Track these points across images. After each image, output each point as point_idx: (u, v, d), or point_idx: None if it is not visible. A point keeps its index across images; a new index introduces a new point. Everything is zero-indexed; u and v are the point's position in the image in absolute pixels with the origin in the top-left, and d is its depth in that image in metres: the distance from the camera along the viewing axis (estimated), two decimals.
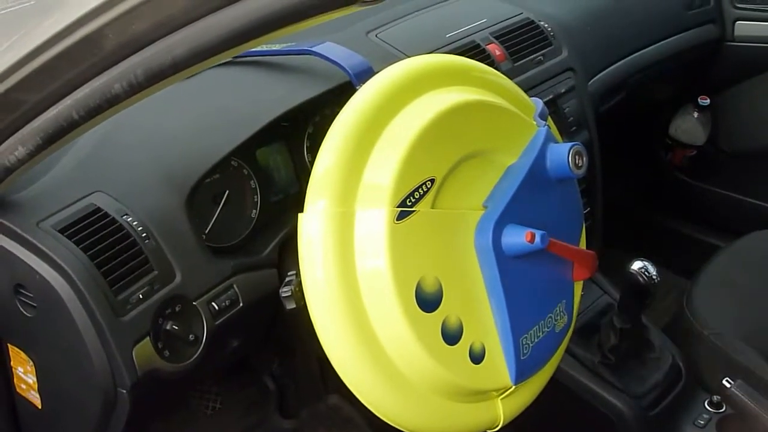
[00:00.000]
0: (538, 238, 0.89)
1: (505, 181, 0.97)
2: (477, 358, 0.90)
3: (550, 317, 0.99)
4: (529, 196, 0.96)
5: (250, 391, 1.70)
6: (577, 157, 0.97)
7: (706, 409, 1.42)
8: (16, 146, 0.90)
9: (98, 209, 1.07)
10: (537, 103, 1.07)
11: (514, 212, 0.93)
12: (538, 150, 0.98)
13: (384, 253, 0.82)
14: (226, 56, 0.76)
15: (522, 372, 0.93)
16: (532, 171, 0.97)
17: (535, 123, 1.03)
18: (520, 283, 0.94)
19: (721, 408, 1.40)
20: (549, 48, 1.68)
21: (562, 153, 0.98)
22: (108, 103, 0.79)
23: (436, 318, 0.86)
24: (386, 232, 0.82)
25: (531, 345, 0.95)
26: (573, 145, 0.98)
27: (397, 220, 0.83)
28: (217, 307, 1.12)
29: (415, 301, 0.84)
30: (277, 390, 1.70)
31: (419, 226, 0.85)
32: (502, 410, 0.96)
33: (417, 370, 0.85)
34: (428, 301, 0.85)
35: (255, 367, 1.70)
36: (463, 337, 0.89)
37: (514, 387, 0.94)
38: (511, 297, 0.92)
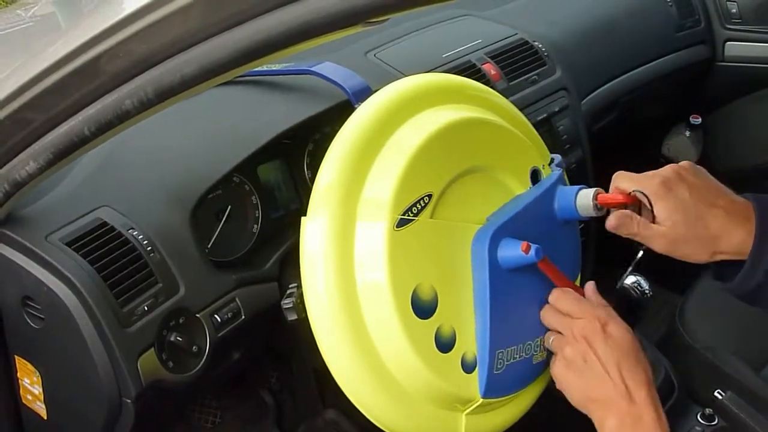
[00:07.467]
0: (533, 251, 0.91)
1: (510, 204, 1.00)
2: (469, 367, 0.92)
3: (530, 345, 0.99)
4: (532, 222, 0.98)
5: (248, 405, 1.71)
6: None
7: (699, 421, 1.43)
8: (28, 161, 0.92)
9: (105, 223, 1.09)
10: (555, 158, 1.11)
11: (513, 229, 0.95)
12: (549, 185, 1.02)
13: (382, 257, 0.84)
14: (233, 74, 0.79)
15: (491, 387, 0.93)
16: (538, 201, 1.00)
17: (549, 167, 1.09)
18: (507, 298, 0.96)
19: (714, 420, 1.41)
20: (543, 68, 1.71)
21: (570, 192, 1.01)
22: (119, 119, 0.82)
23: (430, 325, 0.88)
24: (385, 238, 0.85)
25: (506, 362, 0.95)
26: (581, 187, 1.01)
27: (397, 227, 0.85)
28: (219, 320, 1.14)
29: (410, 307, 0.86)
30: (275, 405, 1.71)
31: (418, 234, 0.88)
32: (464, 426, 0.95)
33: (411, 377, 0.87)
34: (424, 309, 0.87)
35: (253, 382, 1.71)
36: (455, 345, 0.90)
37: (481, 401, 0.93)
38: (496, 307, 0.93)
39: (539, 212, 1.01)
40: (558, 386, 0.95)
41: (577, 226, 1.11)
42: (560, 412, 0.99)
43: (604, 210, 1.00)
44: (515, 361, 0.96)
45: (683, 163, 0.99)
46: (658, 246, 0.96)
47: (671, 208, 0.94)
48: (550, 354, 1.00)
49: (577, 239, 1.11)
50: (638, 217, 0.97)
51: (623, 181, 0.99)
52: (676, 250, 0.95)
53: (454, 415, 0.94)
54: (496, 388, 0.94)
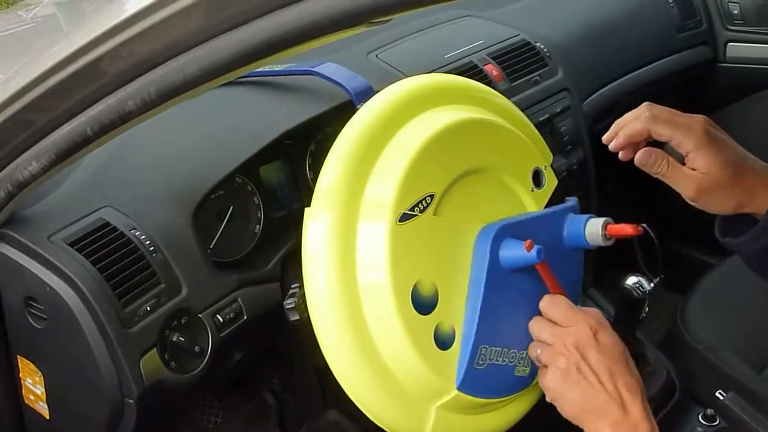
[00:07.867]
0: (534, 250, 0.91)
1: (520, 215, 1.01)
2: None
3: (515, 354, 0.97)
4: (539, 236, 0.97)
5: (250, 405, 1.71)
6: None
7: (700, 422, 1.43)
8: (31, 161, 0.92)
9: (107, 224, 1.10)
10: (571, 200, 1.10)
11: (519, 233, 0.95)
12: (561, 209, 1.03)
13: (384, 251, 0.85)
14: (235, 75, 0.79)
15: (468, 381, 0.91)
16: (548, 220, 1.01)
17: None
18: (501, 297, 0.95)
19: (715, 421, 1.41)
20: (545, 69, 1.71)
21: (580, 221, 1.01)
22: (121, 120, 0.82)
23: (430, 321, 0.88)
24: (387, 233, 0.85)
25: (488, 360, 0.94)
26: (590, 216, 1.01)
27: (399, 221, 0.86)
28: (222, 320, 1.14)
29: (410, 301, 0.86)
30: (277, 405, 1.71)
31: (420, 230, 0.88)
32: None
33: (410, 374, 0.87)
34: (424, 304, 0.87)
35: (255, 382, 1.71)
36: (454, 343, 0.91)
37: (455, 394, 0.92)
38: (488, 303, 0.93)
39: (547, 231, 1.00)
40: (549, 398, 0.94)
41: (581, 255, 1.10)
42: (551, 423, 0.98)
43: (612, 240, 0.99)
44: (497, 363, 0.95)
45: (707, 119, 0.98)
46: (687, 191, 0.95)
47: (712, 155, 0.93)
48: (534, 369, 0.99)
49: (580, 267, 1.10)
50: (669, 157, 0.95)
51: (662, 127, 0.95)
52: (704, 197, 0.95)
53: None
54: (472, 384, 0.92)
